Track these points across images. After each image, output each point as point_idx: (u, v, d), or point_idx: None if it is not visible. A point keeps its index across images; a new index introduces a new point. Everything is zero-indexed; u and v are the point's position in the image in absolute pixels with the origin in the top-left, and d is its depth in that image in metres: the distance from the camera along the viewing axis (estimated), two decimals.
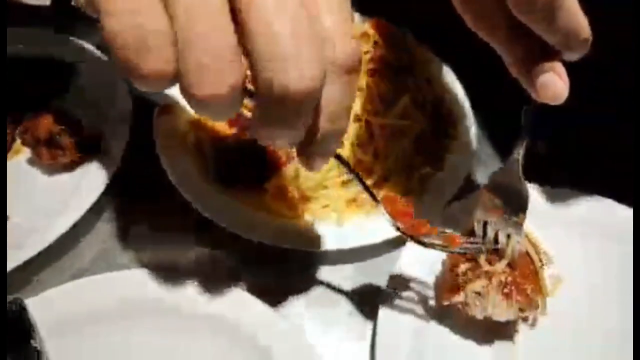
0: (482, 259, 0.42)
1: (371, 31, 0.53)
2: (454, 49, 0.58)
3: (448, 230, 0.42)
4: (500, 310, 0.41)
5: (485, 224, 0.43)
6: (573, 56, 0.35)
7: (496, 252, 0.42)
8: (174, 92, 0.51)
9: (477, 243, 0.42)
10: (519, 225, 0.42)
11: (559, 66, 0.35)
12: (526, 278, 0.41)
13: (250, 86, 0.24)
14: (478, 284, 0.41)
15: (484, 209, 0.43)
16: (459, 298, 0.41)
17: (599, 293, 0.46)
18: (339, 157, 0.33)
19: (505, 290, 0.40)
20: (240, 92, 0.23)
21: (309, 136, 0.26)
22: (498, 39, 0.37)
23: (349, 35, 0.24)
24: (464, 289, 0.41)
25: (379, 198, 0.39)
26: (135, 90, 0.51)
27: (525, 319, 0.44)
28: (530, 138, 0.42)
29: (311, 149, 0.26)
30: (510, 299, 0.40)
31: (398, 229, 0.39)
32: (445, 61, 0.58)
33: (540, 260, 0.44)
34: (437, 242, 0.40)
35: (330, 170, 0.49)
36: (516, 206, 0.42)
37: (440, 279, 0.45)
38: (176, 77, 0.23)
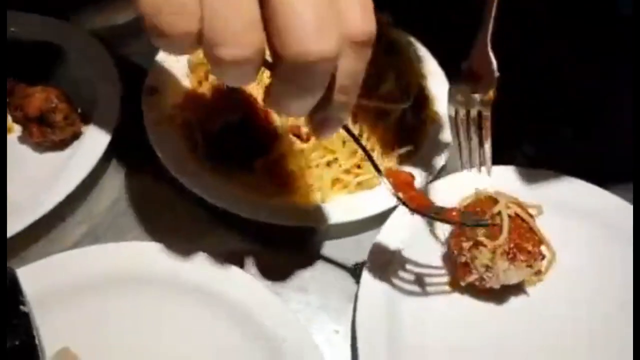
0: (481, 235, 0.43)
1: None
2: (434, 33, 0.60)
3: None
4: (511, 274, 0.43)
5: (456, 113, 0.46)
6: None
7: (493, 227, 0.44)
8: (163, 73, 0.54)
9: (476, 214, 0.44)
10: (487, 102, 0.44)
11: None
12: (523, 237, 0.44)
13: (268, 58, 0.25)
14: (484, 258, 0.43)
15: (455, 101, 0.46)
16: (473, 276, 0.44)
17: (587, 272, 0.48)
18: (346, 128, 0.35)
19: (510, 256, 0.43)
20: (262, 57, 0.25)
21: (321, 105, 0.27)
22: None
23: (366, 11, 0.25)
24: (474, 266, 0.43)
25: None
26: (125, 72, 0.54)
27: (538, 273, 0.46)
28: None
29: (323, 117, 0.28)
30: (517, 261, 0.43)
31: (399, 199, 0.40)
32: (427, 46, 0.60)
33: (530, 215, 0.46)
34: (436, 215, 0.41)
35: (314, 151, 0.50)
36: (485, 84, 0.44)
37: (447, 260, 0.47)
38: (201, 39, 0.24)
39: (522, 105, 0.58)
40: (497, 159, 0.48)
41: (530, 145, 0.58)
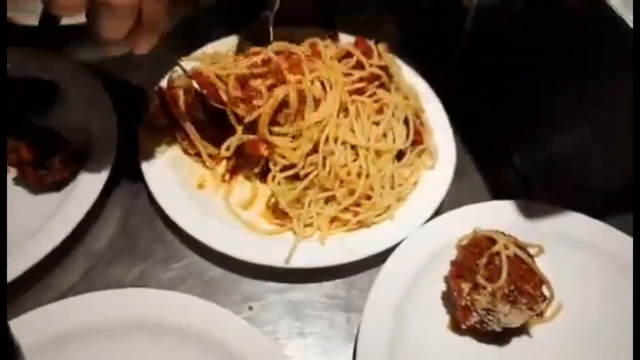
0: (480, 277, 0.43)
1: (355, 51, 0.54)
2: (435, 67, 0.60)
3: None
4: (512, 317, 0.43)
5: None
6: None
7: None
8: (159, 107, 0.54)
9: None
10: None
11: None
12: (523, 278, 0.43)
13: None
14: (484, 301, 0.43)
15: None
16: (474, 319, 0.43)
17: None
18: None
19: (510, 299, 0.42)
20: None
21: (134, 31, 0.39)
22: None
23: None
24: (474, 309, 0.43)
25: None
26: (120, 105, 0.54)
27: (540, 315, 0.45)
28: None
29: (137, 36, 0.39)
30: (518, 304, 0.42)
31: (203, 95, 0.50)
32: (426, 78, 0.60)
33: (530, 255, 0.45)
34: None
35: (310, 188, 0.50)
36: None
37: (447, 299, 0.47)
38: None
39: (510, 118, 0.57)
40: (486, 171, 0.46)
41: (519, 157, 0.58)
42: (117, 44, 0.40)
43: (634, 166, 0.48)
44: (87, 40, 0.62)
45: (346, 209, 0.49)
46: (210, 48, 0.58)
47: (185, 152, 0.53)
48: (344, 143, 0.50)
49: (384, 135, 0.52)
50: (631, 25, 0.39)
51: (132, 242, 0.50)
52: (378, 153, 0.51)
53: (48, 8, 0.37)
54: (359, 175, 0.49)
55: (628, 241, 0.51)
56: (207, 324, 0.43)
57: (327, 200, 0.50)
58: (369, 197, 0.50)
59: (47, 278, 0.47)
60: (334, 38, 0.60)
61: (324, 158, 0.49)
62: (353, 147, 0.50)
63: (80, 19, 0.60)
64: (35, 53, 0.58)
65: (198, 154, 0.53)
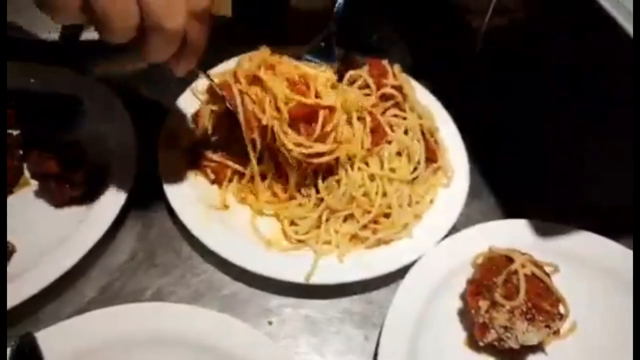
0: (498, 295, 0.44)
1: (369, 79, 0.55)
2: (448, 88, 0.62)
3: None
4: (530, 335, 0.44)
5: None
6: None
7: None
8: (178, 122, 0.55)
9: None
10: None
11: None
12: (541, 296, 0.44)
13: None
14: (502, 319, 0.43)
15: None
16: (492, 336, 0.44)
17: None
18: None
19: (528, 316, 0.43)
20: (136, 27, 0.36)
21: (178, 54, 0.40)
22: None
23: None
24: (493, 326, 0.44)
25: None
26: (140, 121, 0.55)
27: (556, 333, 0.46)
28: None
29: (180, 59, 0.41)
30: (535, 321, 0.43)
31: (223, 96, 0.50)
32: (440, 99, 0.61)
33: (547, 274, 0.46)
34: None
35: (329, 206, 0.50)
36: None
37: (464, 316, 0.47)
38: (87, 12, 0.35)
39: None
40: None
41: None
42: (159, 66, 0.40)
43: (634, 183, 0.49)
44: (105, 55, 0.64)
45: (365, 227, 0.50)
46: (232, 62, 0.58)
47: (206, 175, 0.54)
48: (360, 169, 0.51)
49: (398, 153, 0.53)
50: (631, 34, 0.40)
51: (151, 256, 0.51)
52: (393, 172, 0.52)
53: (99, 31, 0.36)
54: (376, 194, 0.50)
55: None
56: (226, 339, 0.43)
57: (346, 219, 0.51)
58: (387, 215, 0.50)
59: (67, 293, 0.47)
60: (348, 59, 0.61)
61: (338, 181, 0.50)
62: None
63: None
64: (56, 69, 0.59)
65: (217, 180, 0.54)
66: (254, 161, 0.51)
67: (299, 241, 0.50)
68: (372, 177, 0.51)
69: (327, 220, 0.50)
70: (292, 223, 0.51)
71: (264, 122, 0.48)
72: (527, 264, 0.45)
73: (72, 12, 0.35)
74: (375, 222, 0.50)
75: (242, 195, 0.53)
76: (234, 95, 0.49)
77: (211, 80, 0.50)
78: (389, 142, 0.53)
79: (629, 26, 0.40)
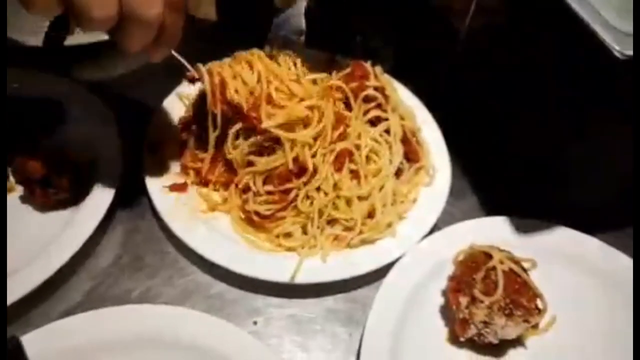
0: (477, 291, 0.45)
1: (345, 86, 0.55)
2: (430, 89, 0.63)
3: None
4: (509, 330, 0.45)
5: None
6: None
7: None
8: (162, 127, 0.56)
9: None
10: None
11: None
12: (519, 292, 0.45)
13: None
14: (481, 314, 0.44)
15: None
16: (472, 331, 0.45)
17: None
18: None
19: (506, 312, 0.44)
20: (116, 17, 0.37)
21: (155, 42, 0.41)
22: None
23: None
24: (473, 322, 0.45)
25: None
26: (124, 124, 0.55)
27: (534, 327, 0.47)
28: None
29: (157, 47, 0.42)
30: (513, 316, 0.44)
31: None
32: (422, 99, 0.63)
33: (524, 270, 0.47)
34: None
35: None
36: None
37: (446, 313, 0.48)
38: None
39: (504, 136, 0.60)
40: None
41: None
42: (136, 55, 0.42)
43: (634, 181, 0.50)
44: (90, 60, 0.64)
45: (349, 229, 0.51)
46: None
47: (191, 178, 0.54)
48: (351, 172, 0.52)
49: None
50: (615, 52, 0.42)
51: (137, 259, 0.51)
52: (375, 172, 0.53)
53: (77, 21, 0.37)
54: (359, 198, 0.51)
55: (616, 255, 0.53)
56: (213, 339, 0.44)
57: (329, 221, 0.51)
58: (371, 216, 0.51)
59: (53, 296, 0.48)
60: (333, 62, 0.62)
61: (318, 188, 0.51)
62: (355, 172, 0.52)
63: (84, 39, 0.62)
64: (40, 74, 0.59)
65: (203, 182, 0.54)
66: (211, 137, 0.51)
67: (288, 249, 0.51)
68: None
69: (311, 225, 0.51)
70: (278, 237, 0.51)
71: (229, 96, 0.49)
72: (505, 260, 0.46)
73: (49, 2, 0.35)
74: (363, 224, 0.51)
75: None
76: (202, 72, 0.50)
77: (184, 61, 0.50)
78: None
79: (606, 36, 0.42)
